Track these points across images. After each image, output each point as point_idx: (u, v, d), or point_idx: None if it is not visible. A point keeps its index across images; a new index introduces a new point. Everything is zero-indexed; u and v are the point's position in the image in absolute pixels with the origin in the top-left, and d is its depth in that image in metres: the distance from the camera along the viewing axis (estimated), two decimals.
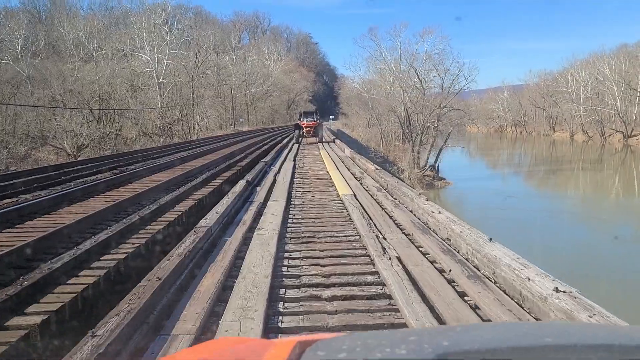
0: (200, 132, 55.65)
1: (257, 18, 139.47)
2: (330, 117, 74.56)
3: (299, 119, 35.23)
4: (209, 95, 56.64)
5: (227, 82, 66.15)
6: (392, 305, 4.31)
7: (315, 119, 35.03)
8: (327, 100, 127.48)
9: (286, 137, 38.59)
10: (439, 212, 7.18)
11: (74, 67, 62.71)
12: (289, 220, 8.35)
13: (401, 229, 7.20)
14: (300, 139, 30.94)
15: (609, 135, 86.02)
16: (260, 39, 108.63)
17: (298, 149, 23.18)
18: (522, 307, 4.09)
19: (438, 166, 54.92)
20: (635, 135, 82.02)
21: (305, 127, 32.55)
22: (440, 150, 56.25)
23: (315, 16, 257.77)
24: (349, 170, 15.19)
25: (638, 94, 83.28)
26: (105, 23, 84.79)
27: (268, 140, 32.91)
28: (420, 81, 59.73)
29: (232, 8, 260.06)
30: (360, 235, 6.80)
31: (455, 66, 58.10)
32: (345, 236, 7.03)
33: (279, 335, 3.82)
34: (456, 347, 0.68)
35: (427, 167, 53.44)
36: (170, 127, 54.95)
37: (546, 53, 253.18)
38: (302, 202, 10.51)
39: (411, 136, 55.67)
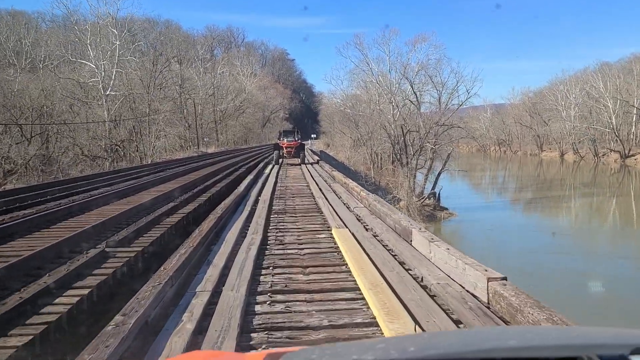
0: (156, 155, 43.47)
1: (231, 33, 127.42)
2: (312, 136, 63.70)
3: (279, 139, 31.49)
4: (165, 110, 44.35)
5: (192, 95, 53.99)
6: None
7: (296, 139, 30.63)
8: (304, 118, 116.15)
9: (257, 164, 26.71)
10: None
11: (13, 77, 50.31)
12: None
13: None
14: (280, 160, 28.24)
15: (603, 155, 76.85)
16: (233, 54, 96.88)
17: (271, 200, 11.22)
18: None
19: (439, 194, 43.72)
20: (633, 155, 72.90)
21: (286, 148, 29.19)
22: (439, 174, 45.34)
23: (293, 36, 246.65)
24: None
25: (635, 112, 74.28)
26: (60, 32, 71.86)
27: (227, 171, 20.92)
28: (416, 95, 48.87)
29: (204, 24, 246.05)
30: None
31: (453, 78, 47.42)
32: None
33: None
34: (421, 352, 0.73)
35: (426, 195, 42.60)
36: (117, 149, 42.69)
37: (527, 72, 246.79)
38: None
39: (407, 159, 44.65)
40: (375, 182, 45.87)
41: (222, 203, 9.09)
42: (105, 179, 17.79)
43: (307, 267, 5.22)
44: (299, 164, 27.80)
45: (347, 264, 5.21)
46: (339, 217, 8.46)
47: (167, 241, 7.37)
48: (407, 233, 6.18)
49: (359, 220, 8.32)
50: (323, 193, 12.14)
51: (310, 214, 9.36)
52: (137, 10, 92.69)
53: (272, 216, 9.15)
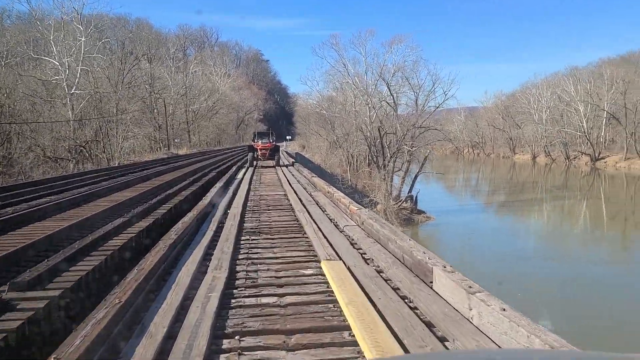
0: (123, 157, 41.11)
1: (204, 33, 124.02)
2: (287, 137, 61.78)
3: (253, 140, 30.69)
4: (134, 109, 41.91)
5: (162, 95, 51.42)
6: None
7: (270, 140, 29.94)
8: (279, 119, 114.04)
9: (229, 168, 24.79)
10: None
11: None
12: None
13: None
14: (254, 162, 27.76)
15: (574, 158, 77.19)
16: (206, 54, 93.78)
17: (243, 214, 9.31)
18: None
19: (416, 197, 42.53)
20: (602, 158, 73.34)
21: (260, 150, 28.42)
22: (416, 177, 44.32)
23: (268, 37, 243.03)
24: None
25: (605, 115, 74.69)
26: (24, 28, 68.33)
27: (196, 175, 18.89)
28: (392, 96, 47.59)
29: (177, 23, 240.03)
30: None
31: (430, 80, 46.37)
32: None
33: None
34: None
35: (403, 198, 41.39)
36: (82, 150, 40.20)
37: (499, 75, 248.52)
38: None
39: (384, 161, 43.39)
40: (351, 185, 44.49)
41: (181, 221, 7.18)
42: (58, 184, 15.66)
43: (292, 332, 3.47)
44: (274, 166, 26.87)
45: (350, 328, 3.51)
46: (328, 241, 6.60)
47: (101, 275, 5.52)
48: (424, 270, 4.51)
49: (353, 245, 6.46)
50: (304, 205, 10.30)
51: (290, 236, 7.45)
52: (104, 6, 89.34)
53: (242, 238, 7.21)
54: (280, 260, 5.80)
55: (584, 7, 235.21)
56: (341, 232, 7.45)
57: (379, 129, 44.01)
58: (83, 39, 42.48)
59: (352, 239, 6.88)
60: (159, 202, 10.52)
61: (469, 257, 23.89)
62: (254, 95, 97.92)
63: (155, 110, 50.49)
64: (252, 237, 7.36)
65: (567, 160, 77.11)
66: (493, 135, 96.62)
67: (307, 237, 7.17)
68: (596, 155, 73.23)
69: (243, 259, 5.93)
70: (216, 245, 6.44)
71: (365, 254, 6.00)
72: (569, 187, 59.08)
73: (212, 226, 7.65)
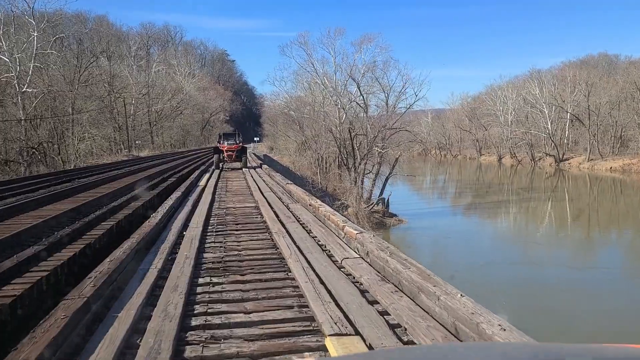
0: (80, 159, 38.40)
1: (168, 32, 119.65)
2: (255, 139, 59.79)
3: (219, 142, 29.56)
4: (90, 108, 39.19)
5: (122, 94, 48.55)
6: None
7: (237, 142, 28.83)
8: (245, 121, 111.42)
9: (190, 173, 22.79)
10: None
11: None
12: None
13: None
14: (220, 164, 27.05)
15: (539, 159, 77.77)
16: (170, 53, 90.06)
17: (203, 238, 7.19)
18: None
19: (388, 200, 41.30)
20: (566, 159, 74.02)
21: (227, 151, 27.47)
22: (387, 179, 43.16)
23: (234, 37, 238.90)
24: None
25: (568, 117, 75.43)
26: None
27: (153, 182, 16.72)
28: (363, 97, 46.22)
29: (139, 21, 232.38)
30: None
31: (400, 80, 45.18)
32: None
33: None
34: None
35: (375, 201, 40.19)
36: (34, 152, 37.31)
37: (465, 78, 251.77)
38: None
39: (355, 164, 42.02)
40: (322, 188, 42.97)
41: (109, 258, 4.94)
42: None
43: None
44: (241, 168, 25.94)
45: None
46: (326, 288, 4.45)
47: None
48: None
49: (364, 295, 4.33)
50: (282, 222, 8.24)
51: (269, 277, 5.22)
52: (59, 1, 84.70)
53: (200, 282, 5.01)
54: (256, 331, 3.70)
55: (547, 12, 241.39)
56: (340, 268, 5.38)
57: (349, 130, 42.64)
58: (35, 34, 39.52)
59: (360, 284, 4.76)
60: (98, 218, 8.49)
61: (444, 262, 23.05)
62: (220, 96, 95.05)
63: (115, 110, 47.63)
64: (214, 280, 5.17)
65: (532, 162, 77.59)
66: (460, 136, 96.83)
67: (293, 280, 5.05)
68: (560, 156, 73.79)
69: (198, 327, 3.82)
70: (159, 298, 4.31)
71: (387, 314, 3.90)
72: (535, 188, 59.20)
73: (158, 261, 5.57)
